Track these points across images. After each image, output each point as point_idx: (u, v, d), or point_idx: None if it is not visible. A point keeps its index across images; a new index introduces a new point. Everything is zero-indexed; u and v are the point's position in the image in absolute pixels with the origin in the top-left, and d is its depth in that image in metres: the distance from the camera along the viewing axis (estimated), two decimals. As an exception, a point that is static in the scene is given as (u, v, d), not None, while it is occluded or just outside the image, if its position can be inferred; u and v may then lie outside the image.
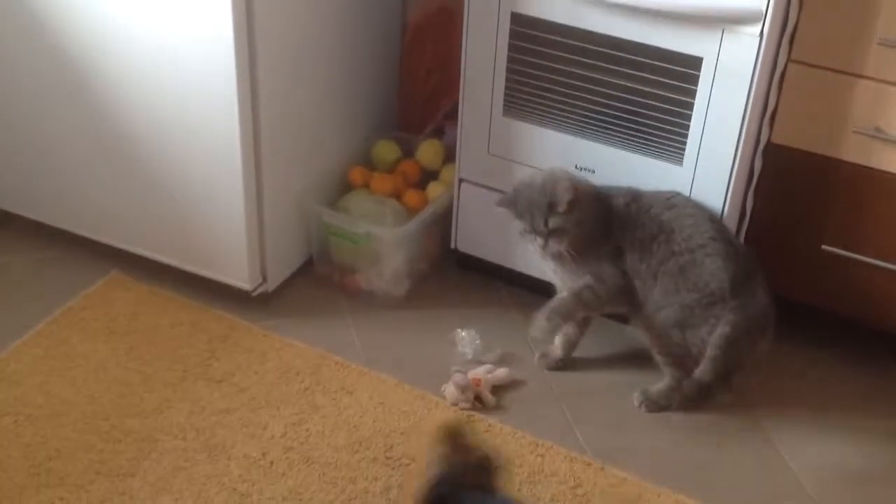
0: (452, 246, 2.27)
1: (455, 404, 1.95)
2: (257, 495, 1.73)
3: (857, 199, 1.93)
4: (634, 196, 1.93)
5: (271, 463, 1.80)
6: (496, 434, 1.88)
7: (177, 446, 1.82)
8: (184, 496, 1.72)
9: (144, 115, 2.03)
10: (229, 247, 2.09)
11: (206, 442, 1.83)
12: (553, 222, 1.88)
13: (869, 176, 1.89)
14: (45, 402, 1.89)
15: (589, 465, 1.82)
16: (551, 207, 1.87)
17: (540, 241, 1.90)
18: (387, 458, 1.82)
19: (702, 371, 1.90)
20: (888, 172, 1.87)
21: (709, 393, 1.93)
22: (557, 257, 1.93)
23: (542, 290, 2.05)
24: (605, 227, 1.91)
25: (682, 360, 1.93)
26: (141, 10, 1.92)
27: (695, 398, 1.94)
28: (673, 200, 1.92)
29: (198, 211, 2.09)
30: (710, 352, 1.88)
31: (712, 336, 1.87)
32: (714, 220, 1.91)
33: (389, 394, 1.96)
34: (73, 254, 2.24)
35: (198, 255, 2.14)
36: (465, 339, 2.08)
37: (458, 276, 2.29)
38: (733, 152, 1.88)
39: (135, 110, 2.04)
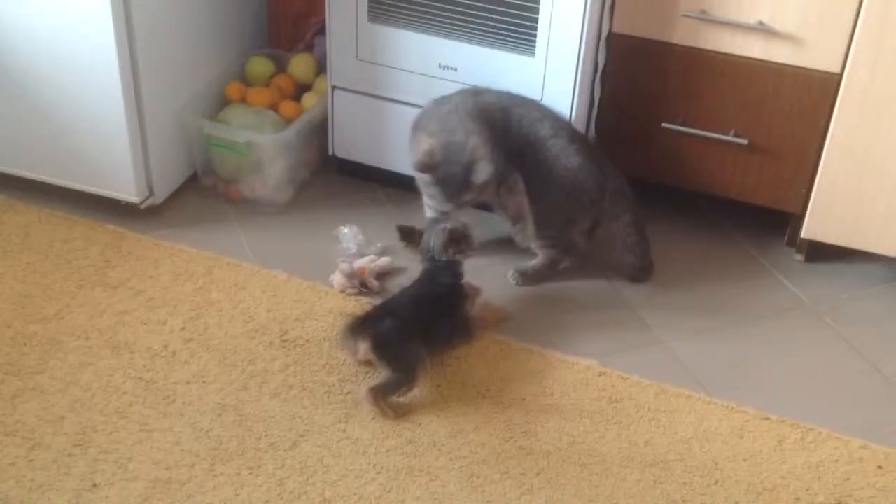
0: (330, 152, 2.41)
1: (343, 291, 2.10)
2: (163, 381, 1.86)
3: (690, 79, 2.15)
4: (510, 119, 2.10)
5: (173, 353, 1.92)
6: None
7: (80, 345, 1.92)
8: (92, 387, 1.84)
9: (27, 44, 2.10)
10: (115, 163, 2.18)
11: (108, 340, 1.94)
12: (468, 197, 2.05)
13: (699, 56, 2.11)
14: (-54, 317, 1.97)
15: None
16: (467, 185, 2.03)
17: (451, 206, 2.06)
18: (282, 341, 1.97)
19: (634, 260, 2.16)
20: (714, 51, 2.10)
21: (641, 277, 2.19)
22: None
23: (416, 187, 2.22)
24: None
25: (561, 245, 2.15)
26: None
27: (640, 279, 2.19)
28: (533, 113, 2.11)
29: (82, 131, 2.17)
30: (631, 240, 2.14)
31: (620, 228, 2.13)
32: (566, 125, 2.13)
33: (280, 287, 2.10)
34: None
35: (85, 174, 2.23)
36: (348, 234, 2.22)
37: (339, 181, 2.44)
38: (578, 42, 2.07)
39: (13, 36, 2.09)
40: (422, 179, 2.08)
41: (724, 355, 2.02)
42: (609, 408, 1.88)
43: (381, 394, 1.82)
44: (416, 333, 1.86)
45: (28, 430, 1.75)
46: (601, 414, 1.86)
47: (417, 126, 2.11)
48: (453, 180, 2.03)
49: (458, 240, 1.97)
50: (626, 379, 1.93)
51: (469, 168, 2.02)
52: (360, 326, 1.87)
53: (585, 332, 2.05)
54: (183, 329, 1.98)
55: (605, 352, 1.99)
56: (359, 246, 2.22)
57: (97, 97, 2.10)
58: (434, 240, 1.97)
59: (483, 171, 2.01)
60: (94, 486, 1.66)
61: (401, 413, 1.83)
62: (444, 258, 1.96)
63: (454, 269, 1.98)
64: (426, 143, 2.05)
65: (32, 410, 1.78)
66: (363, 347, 1.86)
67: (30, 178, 2.26)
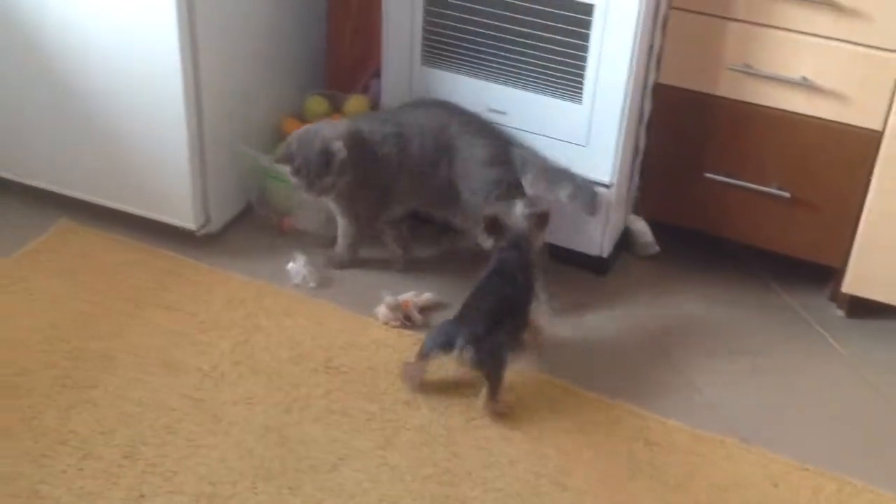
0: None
1: (386, 322, 2.16)
2: (210, 401, 1.93)
3: (734, 130, 2.20)
4: (400, 130, 2.20)
5: (222, 374, 1.99)
6: (424, 345, 2.10)
7: (134, 362, 2.00)
8: (143, 403, 1.91)
9: (94, 70, 2.20)
10: (175, 190, 2.27)
11: (160, 358, 2.01)
12: (328, 181, 2.13)
13: (743, 108, 2.17)
14: (9, 330, 2.05)
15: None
16: (323, 168, 2.11)
17: (313, 193, 2.15)
18: (326, 368, 2.03)
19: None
20: (758, 105, 2.15)
21: None
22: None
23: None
24: (374, 172, 2.19)
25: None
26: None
27: None
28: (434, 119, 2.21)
29: (144, 158, 2.26)
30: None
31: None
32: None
33: (326, 316, 2.17)
34: (24, 202, 2.40)
35: (144, 200, 2.32)
36: (294, 268, 2.26)
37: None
38: (624, 91, 2.14)
39: (85, 66, 2.20)
40: (283, 171, 2.18)
41: (760, 403, 2.04)
42: (643, 449, 1.91)
43: (491, 403, 1.93)
44: (503, 335, 1.95)
45: (80, 440, 1.82)
46: (635, 455, 1.89)
47: None
48: (310, 165, 2.11)
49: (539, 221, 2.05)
50: (662, 422, 1.96)
51: (324, 152, 2.10)
52: (461, 331, 1.91)
53: (622, 373, 2.09)
54: (232, 352, 2.05)
55: (641, 394, 2.03)
56: (303, 279, 2.26)
57: (160, 124, 2.20)
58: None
59: (339, 152, 2.10)
60: (141, 496, 1.73)
61: (509, 406, 1.96)
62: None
63: (526, 257, 2.02)
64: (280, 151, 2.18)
65: (85, 422, 1.86)
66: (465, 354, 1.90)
67: (91, 202, 2.36)
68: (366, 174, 2.18)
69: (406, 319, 2.18)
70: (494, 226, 2.01)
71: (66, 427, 1.84)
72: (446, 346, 1.92)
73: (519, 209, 2.05)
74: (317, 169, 2.11)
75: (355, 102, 2.59)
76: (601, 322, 2.24)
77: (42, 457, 1.78)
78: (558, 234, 2.31)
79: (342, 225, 2.30)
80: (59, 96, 2.26)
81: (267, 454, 1.82)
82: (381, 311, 2.18)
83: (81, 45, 2.19)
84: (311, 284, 2.25)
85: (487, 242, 2.04)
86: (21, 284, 2.17)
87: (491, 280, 2.00)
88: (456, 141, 2.19)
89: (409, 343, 2.10)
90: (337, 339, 2.10)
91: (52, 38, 2.20)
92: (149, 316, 2.12)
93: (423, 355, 1.97)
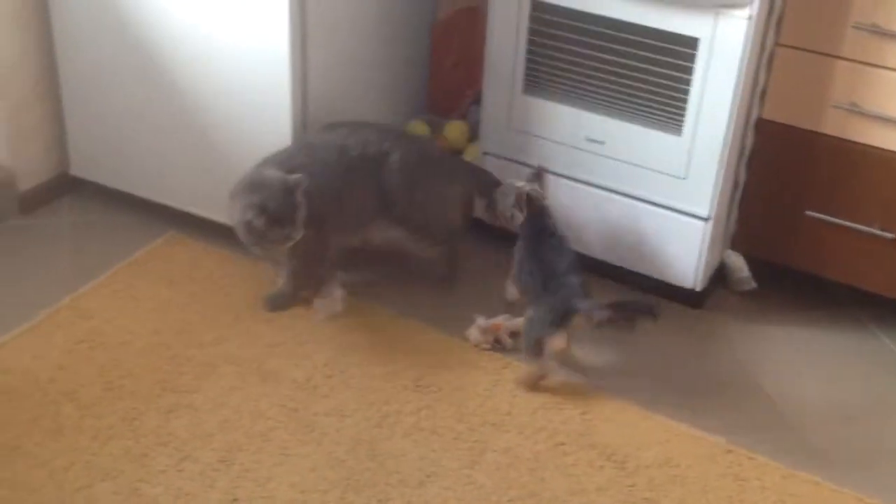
0: (475, 214, 2.51)
1: (477, 345, 2.19)
2: (304, 411, 1.98)
3: (837, 169, 2.17)
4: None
5: (315, 387, 2.04)
6: (514, 369, 2.11)
7: (232, 371, 2.06)
8: (240, 410, 1.97)
9: (206, 95, 2.30)
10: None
11: (258, 368, 2.07)
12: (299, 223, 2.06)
13: (847, 147, 2.14)
14: (115, 333, 2.14)
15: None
16: (293, 208, 2.05)
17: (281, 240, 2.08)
18: (416, 386, 2.06)
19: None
20: (862, 144, 2.12)
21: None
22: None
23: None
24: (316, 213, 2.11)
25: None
26: (204, 8, 2.20)
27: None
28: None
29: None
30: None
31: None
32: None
33: (418, 335, 2.20)
34: (136, 214, 2.51)
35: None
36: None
37: (476, 243, 2.52)
38: (726, 125, 2.13)
39: (197, 90, 2.30)
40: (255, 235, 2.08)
41: (855, 445, 2.00)
42: (734, 486, 1.88)
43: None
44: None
45: (179, 443, 1.88)
46: (725, 491, 1.87)
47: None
48: (281, 211, 2.04)
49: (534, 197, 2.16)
50: (753, 459, 1.94)
51: (287, 190, 2.05)
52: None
53: (714, 407, 2.07)
54: (326, 365, 2.09)
55: (734, 429, 2.00)
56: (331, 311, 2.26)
57: (268, 144, 2.26)
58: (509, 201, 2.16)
59: (300, 181, 2.05)
60: (235, 500, 1.78)
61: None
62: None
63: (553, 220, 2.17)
64: (241, 211, 2.07)
65: (184, 425, 1.92)
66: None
67: (199, 216, 2.44)
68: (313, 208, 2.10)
69: (496, 342, 2.20)
70: (527, 200, 2.14)
71: (166, 429, 1.91)
72: (565, 315, 2.00)
73: (521, 183, 2.18)
74: (289, 210, 2.04)
75: (454, 128, 2.64)
76: (693, 355, 2.22)
77: (143, 456, 1.85)
78: (651, 265, 2.31)
79: (293, 266, 2.22)
80: (175, 119, 2.36)
81: (357, 466, 1.86)
82: (473, 333, 2.20)
83: (197, 74, 2.29)
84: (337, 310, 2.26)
85: (519, 217, 2.15)
86: (129, 291, 2.26)
87: (543, 244, 2.12)
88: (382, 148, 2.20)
89: (498, 366, 2.12)
90: (427, 359, 2.14)
91: (171, 69, 2.31)
92: (248, 327, 2.19)
93: (537, 349, 2.04)
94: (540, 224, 2.15)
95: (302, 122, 2.27)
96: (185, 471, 1.83)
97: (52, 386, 1.98)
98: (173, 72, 2.31)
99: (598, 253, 2.37)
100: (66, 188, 2.59)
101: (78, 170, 2.57)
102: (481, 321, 2.21)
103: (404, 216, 2.24)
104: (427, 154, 2.30)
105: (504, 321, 2.23)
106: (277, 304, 2.25)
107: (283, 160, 2.15)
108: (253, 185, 2.09)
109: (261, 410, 1.97)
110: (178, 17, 2.24)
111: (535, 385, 2.07)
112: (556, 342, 2.02)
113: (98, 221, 2.51)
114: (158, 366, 2.06)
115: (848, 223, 2.19)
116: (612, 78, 2.20)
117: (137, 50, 2.32)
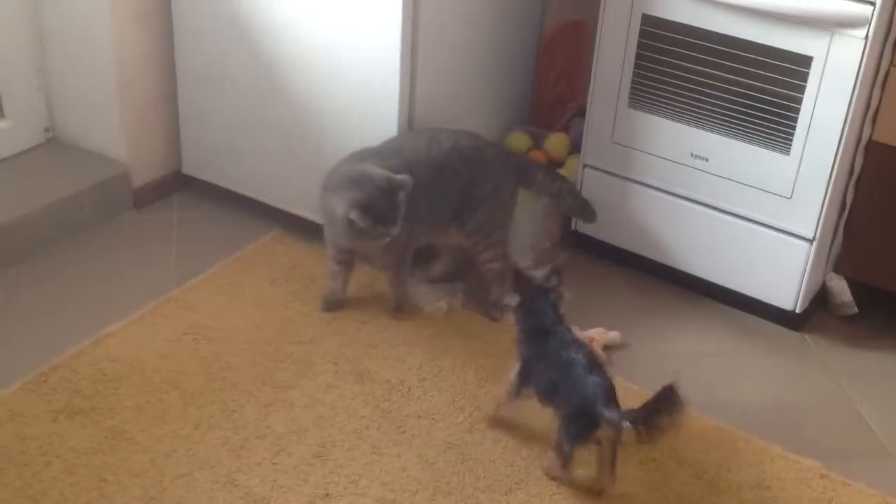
0: (573, 227, 2.52)
1: (570, 356, 2.18)
2: (397, 412, 2.01)
3: (951, 195, 2.12)
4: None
5: (409, 388, 2.07)
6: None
7: (329, 369, 2.11)
8: (335, 407, 2.01)
9: (315, 97, 2.36)
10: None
11: (353, 368, 2.12)
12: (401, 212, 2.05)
13: (963, 173, 2.08)
14: (219, 327, 2.21)
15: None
16: (397, 202, 2.04)
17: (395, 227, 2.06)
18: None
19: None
20: (981, 169, 2.06)
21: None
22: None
23: (645, 269, 2.36)
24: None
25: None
26: (320, 12, 2.26)
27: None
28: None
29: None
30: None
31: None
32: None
33: (512, 343, 2.21)
34: (241, 212, 2.59)
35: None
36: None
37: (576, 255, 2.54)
38: (836, 146, 2.09)
39: (308, 93, 2.37)
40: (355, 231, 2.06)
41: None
42: (827, 513, 1.85)
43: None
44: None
45: (276, 437, 1.93)
46: (819, 518, 1.84)
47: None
48: (385, 210, 2.03)
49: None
50: (849, 486, 1.89)
51: (391, 190, 2.03)
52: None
53: (809, 430, 2.03)
54: (419, 368, 2.12)
55: (829, 454, 1.96)
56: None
57: (372, 143, 2.32)
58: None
59: (406, 182, 2.03)
60: (327, 495, 1.82)
61: None
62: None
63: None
64: (345, 206, 2.05)
65: (281, 420, 1.97)
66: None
67: (302, 217, 2.51)
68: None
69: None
70: (520, 280, 1.95)
71: (264, 423, 1.96)
72: (592, 429, 1.77)
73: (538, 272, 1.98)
74: (393, 206, 2.04)
75: (556, 140, 2.65)
76: (789, 377, 2.18)
77: (240, 448, 1.91)
78: (751, 284, 2.28)
79: (396, 266, 2.24)
80: (285, 124, 2.43)
81: (447, 469, 1.88)
82: (566, 345, 2.20)
83: (308, 80, 2.35)
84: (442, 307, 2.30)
85: (514, 300, 1.94)
86: (233, 287, 2.33)
87: (560, 344, 1.88)
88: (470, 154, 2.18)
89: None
90: (521, 367, 2.15)
91: (284, 74, 2.37)
92: (346, 327, 2.23)
93: (566, 456, 1.82)
94: (539, 312, 1.92)
95: (408, 124, 2.31)
96: (280, 464, 1.87)
97: (156, 375, 2.06)
98: (285, 75, 2.38)
99: (698, 271, 2.34)
100: (177, 185, 2.69)
101: (189, 168, 2.67)
102: (576, 333, 2.21)
103: (475, 221, 2.22)
104: (513, 162, 2.30)
105: (598, 334, 2.23)
106: (332, 304, 2.29)
107: (375, 156, 2.15)
108: (354, 181, 2.08)
109: (355, 409, 2.01)
110: (292, 19, 2.31)
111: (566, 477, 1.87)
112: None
113: (206, 218, 2.60)
114: (258, 360, 2.12)
115: (961, 251, 2.13)
116: (721, 94, 2.18)
117: (252, 53, 2.40)
